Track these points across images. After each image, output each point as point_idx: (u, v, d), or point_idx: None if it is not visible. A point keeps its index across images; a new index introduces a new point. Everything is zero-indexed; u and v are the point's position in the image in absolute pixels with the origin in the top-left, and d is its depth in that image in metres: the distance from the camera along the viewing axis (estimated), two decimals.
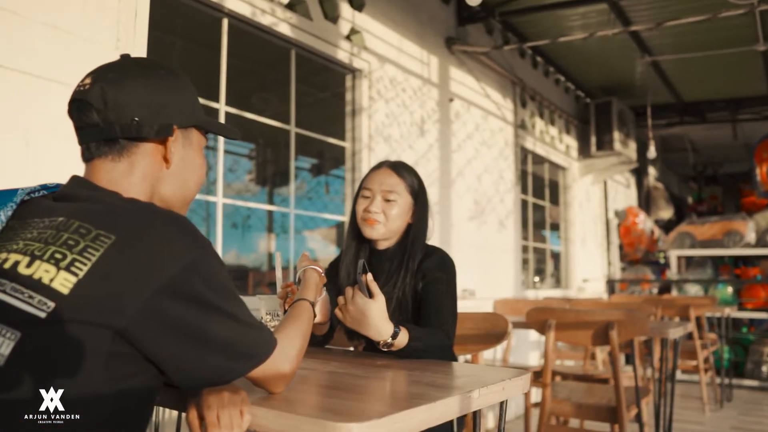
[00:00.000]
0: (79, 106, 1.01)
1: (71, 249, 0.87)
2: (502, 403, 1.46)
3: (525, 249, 5.63)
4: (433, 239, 3.96)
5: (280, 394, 1.06)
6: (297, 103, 3.24)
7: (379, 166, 1.87)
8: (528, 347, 5.13)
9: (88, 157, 1.04)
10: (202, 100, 2.73)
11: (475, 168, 4.65)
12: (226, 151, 6.50)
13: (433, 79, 4.19)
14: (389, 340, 1.49)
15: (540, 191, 6.04)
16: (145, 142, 1.04)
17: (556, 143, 6.04)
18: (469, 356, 2.57)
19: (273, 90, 3.82)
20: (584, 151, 6.44)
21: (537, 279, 5.99)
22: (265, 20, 2.89)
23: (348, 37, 3.39)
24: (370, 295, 1.49)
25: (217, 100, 2.77)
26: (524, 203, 5.57)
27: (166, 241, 0.90)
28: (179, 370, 0.92)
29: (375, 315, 1.47)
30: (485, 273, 4.63)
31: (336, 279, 1.91)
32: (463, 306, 4.14)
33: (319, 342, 1.89)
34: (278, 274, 1.64)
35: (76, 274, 0.85)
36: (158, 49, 2.63)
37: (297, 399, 1.05)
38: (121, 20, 2.25)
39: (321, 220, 4.21)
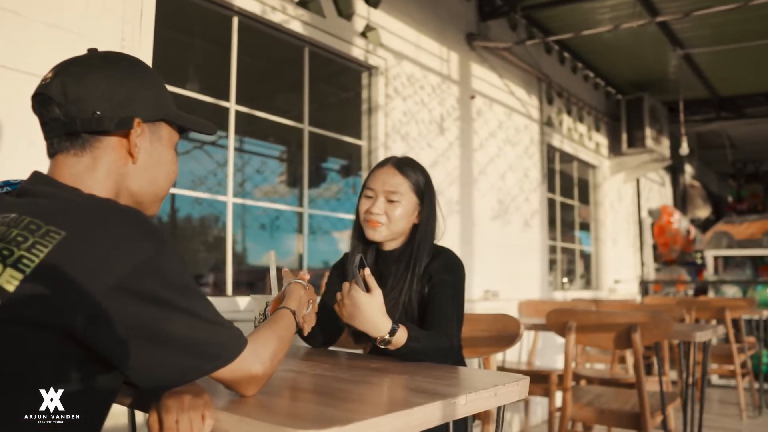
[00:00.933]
0: (40, 100, 0.99)
1: (19, 246, 0.83)
2: (498, 409, 1.39)
3: (553, 249, 5.50)
4: (455, 239, 3.91)
5: (252, 398, 1.01)
6: (313, 101, 3.21)
7: (383, 163, 1.81)
8: (556, 350, 5.00)
9: (51, 152, 1.01)
10: (211, 99, 2.72)
11: (499, 166, 4.55)
12: (256, 153, 6.53)
13: (453, 76, 4.11)
14: (386, 337, 1.43)
15: (568, 190, 5.89)
16: (108, 137, 1.00)
17: (585, 141, 5.89)
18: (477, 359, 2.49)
19: (285, 88, 3.80)
20: (615, 149, 6.26)
21: (566, 280, 5.85)
22: (276, 18, 2.85)
23: (363, 34, 3.34)
24: (368, 290, 1.45)
25: (227, 98, 2.74)
26: (551, 202, 5.44)
27: (119, 238, 0.85)
28: (137, 371, 0.88)
29: (371, 309, 1.43)
30: (509, 274, 4.53)
31: (343, 280, 1.85)
32: (485, 307, 4.07)
33: (322, 343, 1.84)
34: (272, 273, 1.59)
35: (23, 271, 0.82)
36: (167, 48, 2.62)
37: (268, 403, 1.00)
38: (126, 19, 2.24)
39: (350, 222, 4.18)
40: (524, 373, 3.82)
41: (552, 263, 5.49)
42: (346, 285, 1.48)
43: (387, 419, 0.90)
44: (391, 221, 1.72)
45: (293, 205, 6.54)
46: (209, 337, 0.91)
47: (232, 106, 2.74)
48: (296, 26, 2.97)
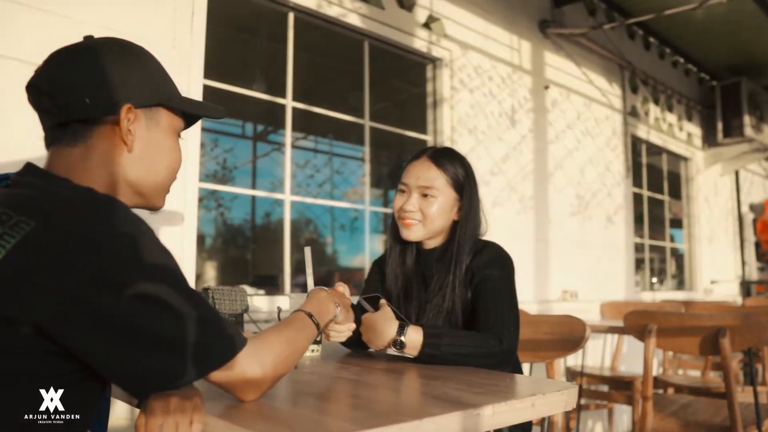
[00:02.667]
0: (33, 91, 0.95)
1: None
2: (543, 421, 1.25)
3: (640, 247, 5.16)
4: (528, 236, 3.72)
5: (251, 403, 0.93)
6: (383, 98, 3.14)
7: (419, 155, 1.65)
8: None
9: (47, 144, 0.97)
10: (268, 97, 2.70)
11: (577, 160, 4.30)
12: (339, 155, 6.56)
13: (525, 66, 3.92)
14: (397, 338, 1.33)
15: (657, 184, 5.52)
16: (100, 125, 0.95)
17: (675, 131, 5.50)
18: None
19: (350, 85, 3.74)
20: (709, 139, 5.82)
21: (655, 280, 5.48)
22: (332, 11, 2.80)
23: (426, 25, 3.23)
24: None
25: (284, 95, 2.71)
26: (638, 197, 5.10)
27: (92, 228, 0.79)
28: (116, 371, 0.82)
29: (378, 320, 1.38)
30: (590, 273, 4.27)
31: (382, 279, 1.75)
32: (563, 308, 3.85)
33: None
34: (308, 270, 1.52)
35: None
36: (220, 47, 2.61)
37: (265, 409, 0.91)
38: (177, 19, 2.25)
39: None
40: (605, 379, 3.59)
41: (639, 262, 5.15)
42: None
43: (386, 431, 0.80)
44: (426, 219, 1.58)
45: (376, 206, 6.52)
46: (198, 336, 0.84)
47: (289, 102, 2.71)
48: (354, 19, 2.90)
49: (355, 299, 1.60)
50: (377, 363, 1.42)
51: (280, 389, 1.05)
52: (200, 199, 5.70)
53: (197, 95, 2.25)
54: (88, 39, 0.99)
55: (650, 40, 5.08)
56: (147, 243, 0.83)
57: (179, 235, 2.18)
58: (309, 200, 3.10)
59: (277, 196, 2.73)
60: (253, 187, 6.12)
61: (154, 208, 1.05)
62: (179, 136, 1.06)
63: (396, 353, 1.40)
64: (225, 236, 6.64)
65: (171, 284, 0.83)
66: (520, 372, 1.73)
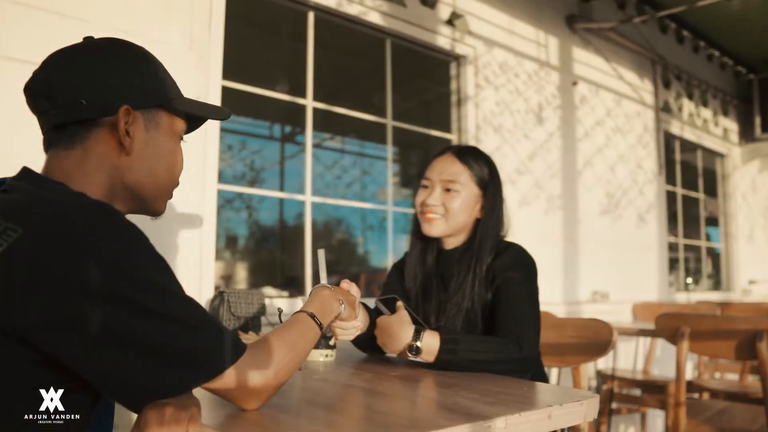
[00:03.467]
0: (30, 93, 0.93)
1: None
2: (562, 430, 1.19)
3: (674, 247, 5.01)
4: (557, 236, 3.64)
5: (251, 412, 0.90)
6: (399, 95, 3.10)
7: (443, 152, 1.64)
8: None
9: (45, 147, 0.95)
10: (288, 97, 2.68)
11: (607, 157, 4.20)
12: (367, 155, 6.53)
13: (552, 62, 3.83)
14: (413, 343, 1.28)
15: (692, 182, 5.36)
16: (98, 128, 0.92)
17: (710, 127, 5.33)
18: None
19: (373, 85, 3.71)
20: (747, 135, 5.63)
21: (690, 281, 5.32)
22: (353, 10, 2.76)
23: (449, 22, 3.18)
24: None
25: (304, 96, 2.69)
26: (671, 195, 4.96)
27: (81, 234, 0.77)
28: (107, 382, 0.79)
29: (393, 324, 1.34)
30: (622, 274, 4.16)
31: (401, 281, 1.71)
32: (594, 310, 3.76)
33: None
34: (322, 273, 1.48)
35: None
36: (240, 47, 2.60)
37: (264, 419, 0.88)
38: (194, 20, 2.23)
39: None
40: (637, 382, 3.49)
41: (673, 262, 5.01)
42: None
43: None
44: (449, 213, 1.55)
45: (403, 207, 6.48)
46: (191, 344, 0.81)
47: (310, 103, 2.68)
48: (375, 17, 2.86)
49: (369, 301, 1.56)
50: (392, 369, 1.37)
51: (286, 397, 1.02)
52: (229, 201, 5.69)
53: (215, 96, 2.24)
54: (87, 40, 0.97)
55: (683, 33, 4.93)
56: (138, 250, 0.80)
57: (198, 237, 2.17)
58: (330, 201, 3.05)
59: (298, 197, 2.71)
60: (281, 188, 6.12)
61: (155, 214, 1.02)
62: (182, 138, 1.03)
63: (412, 358, 1.36)
64: (254, 238, 6.67)
65: (163, 292, 0.81)
66: (544, 378, 1.67)
